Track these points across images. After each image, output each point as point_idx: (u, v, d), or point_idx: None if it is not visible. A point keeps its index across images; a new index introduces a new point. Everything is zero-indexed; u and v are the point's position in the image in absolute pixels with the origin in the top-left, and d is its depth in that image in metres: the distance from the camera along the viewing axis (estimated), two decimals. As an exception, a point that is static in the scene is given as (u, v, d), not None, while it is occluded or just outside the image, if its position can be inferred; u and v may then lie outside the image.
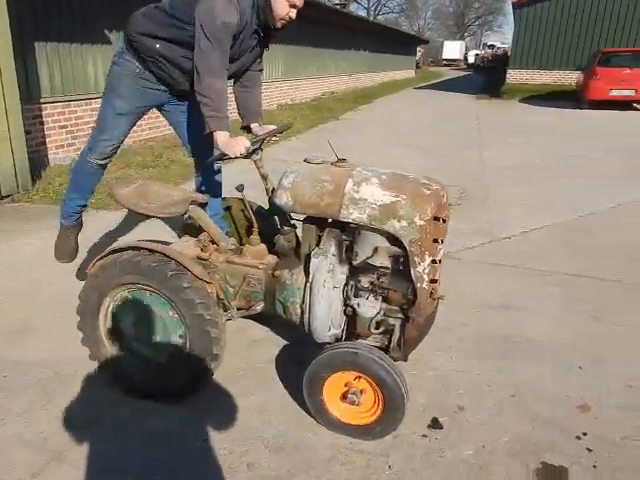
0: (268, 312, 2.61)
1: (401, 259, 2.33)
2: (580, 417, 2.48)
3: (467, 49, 64.96)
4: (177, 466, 2.14)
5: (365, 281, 2.36)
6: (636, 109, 14.97)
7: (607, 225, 5.24)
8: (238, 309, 2.63)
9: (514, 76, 19.88)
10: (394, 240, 2.31)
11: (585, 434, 2.36)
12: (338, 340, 2.49)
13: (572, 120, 13.04)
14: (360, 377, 2.21)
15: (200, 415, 2.44)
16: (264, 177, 2.63)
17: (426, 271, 2.25)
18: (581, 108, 14.72)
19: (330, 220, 2.41)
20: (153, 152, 7.91)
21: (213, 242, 2.68)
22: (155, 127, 9.04)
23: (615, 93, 14.25)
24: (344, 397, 2.26)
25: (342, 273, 2.39)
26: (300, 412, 2.46)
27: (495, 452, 2.25)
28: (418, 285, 2.26)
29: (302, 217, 2.47)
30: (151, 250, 2.34)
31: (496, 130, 11.33)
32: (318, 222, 2.43)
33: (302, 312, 2.45)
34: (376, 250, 2.31)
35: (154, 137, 9.05)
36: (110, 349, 2.51)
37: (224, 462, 2.17)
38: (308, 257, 2.44)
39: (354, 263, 2.38)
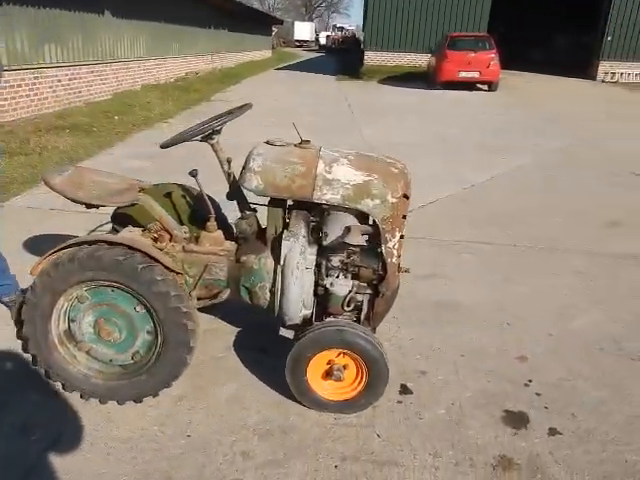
0: (231, 299, 2.55)
1: (370, 236, 2.42)
2: (521, 367, 2.78)
3: (317, 30, 66.16)
4: (170, 467, 2.05)
5: (336, 260, 2.42)
6: (480, 89, 16.48)
7: (488, 195, 5.81)
8: (198, 299, 2.54)
9: (371, 58, 20.76)
10: (363, 218, 2.39)
11: (530, 381, 2.66)
12: (307, 321, 2.53)
13: (431, 100, 14.03)
14: (344, 353, 2.27)
15: (174, 412, 2.34)
16: (225, 161, 2.53)
17: (395, 246, 2.37)
18: (435, 89, 15.87)
19: (292, 202, 2.42)
20: (17, 137, 7.11)
21: (165, 231, 2.53)
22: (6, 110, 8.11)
23: (463, 75, 15.56)
24: (327, 374, 2.30)
25: (312, 254, 2.41)
26: (276, 395, 2.46)
27: (464, 407, 2.46)
28: (388, 260, 2.37)
29: (261, 200, 2.44)
30: (112, 243, 2.17)
31: (367, 110, 11.82)
32: (283, 204, 2.42)
33: (272, 296, 2.43)
34: (347, 229, 2.36)
35: (11, 121, 8.12)
36: (64, 354, 2.29)
37: (216, 454, 2.12)
38: (275, 240, 2.43)
39: (324, 243, 2.42)
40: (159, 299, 2.15)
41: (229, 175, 2.51)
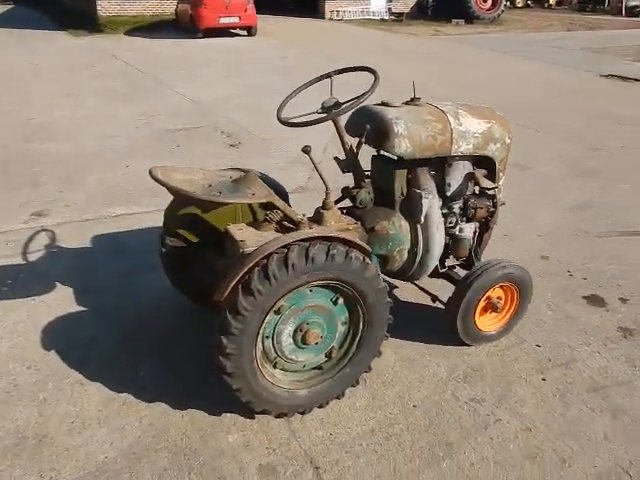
0: None
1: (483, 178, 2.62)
2: (546, 264, 3.36)
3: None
4: (436, 435, 2.09)
5: (457, 207, 2.57)
6: (238, 35, 16.49)
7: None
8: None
9: (106, 8, 18.74)
10: (478, 162, 2.57)
11: (570, 272, 3.26)
12: (435, 271, 2.64)
13: (205, 48, 13.57)
14: (500, 287, 2.50)
15: (376, 394, 2.31)
16: (345, 134, 2.41)
17: (504, 183, 2.63)
18: (197, 37, 15.35)
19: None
20: None
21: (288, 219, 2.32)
22: None
23: (224, 20, 15.33)
24: (485, 310, 2.52)
25: (440, 206, 2.51)
26: (432, 347, 2.59)
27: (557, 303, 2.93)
28: (498, 197, 2.62)
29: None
30: (305, 239, 1.95)
31: (150, 65, 10.78)
32: (406, 165, 2.44)
33: (411, 256, 2.48)
34: (471, 176, 2.52)
35: None
36: (267, 376, 2.03)
37: (454, 408, 2.23)
38: (404, 201, 2.45)
39: (447, 194, 2.53)
40: (370, 283, 2.06)
41: (357, 146, 2.39)
